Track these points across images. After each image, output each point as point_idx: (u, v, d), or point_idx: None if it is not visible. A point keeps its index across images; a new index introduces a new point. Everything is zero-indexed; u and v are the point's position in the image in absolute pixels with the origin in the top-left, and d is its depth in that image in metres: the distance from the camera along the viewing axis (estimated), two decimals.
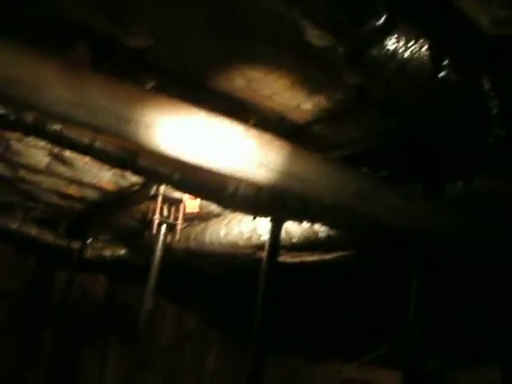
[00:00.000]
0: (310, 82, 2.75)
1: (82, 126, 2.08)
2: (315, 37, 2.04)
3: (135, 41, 2.51)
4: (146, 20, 2.38)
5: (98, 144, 2.97)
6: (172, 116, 2.17)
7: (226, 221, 4.84)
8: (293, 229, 4.13)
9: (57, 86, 1.93)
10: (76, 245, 6.54)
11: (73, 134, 2.94)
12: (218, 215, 4.95)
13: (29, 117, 2.77)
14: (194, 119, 2.22)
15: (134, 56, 2.68)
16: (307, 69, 2.63)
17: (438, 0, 1.99)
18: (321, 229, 3.92)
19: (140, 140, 2.10)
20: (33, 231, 6.43)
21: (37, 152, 4.34)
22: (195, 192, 3.51)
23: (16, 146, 4.27)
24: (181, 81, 2.82)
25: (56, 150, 4.15)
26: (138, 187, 4.58)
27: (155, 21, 2.37)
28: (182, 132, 2.18)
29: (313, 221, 3.82)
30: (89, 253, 6.65)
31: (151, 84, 2.81)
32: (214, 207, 4.59)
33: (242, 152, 2.31)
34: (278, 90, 2.79)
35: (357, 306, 5.55)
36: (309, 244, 4.20)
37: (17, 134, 3.69)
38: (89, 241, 6.62)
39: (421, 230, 2.79)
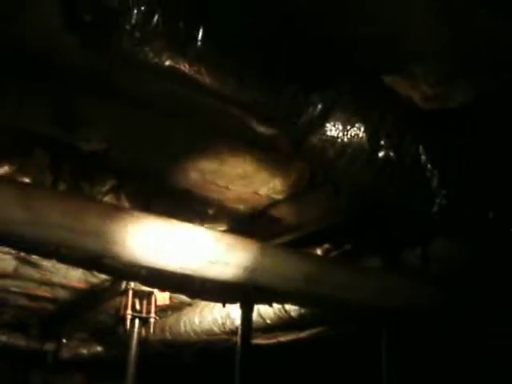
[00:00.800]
0: (264, 168, 2.85)
1: (41, 243, 2.13)
2: (259, 128, 2.16)
3: (90, 145, 2.60)
4: (98, 126, 2.48)
5: (63, 250, 3.00)
6: (131, 225, 2.25)
7: (199, 309, 4.85)
8: (265, 311, 4.15)
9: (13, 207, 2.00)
10: (50, 346, 6.44)
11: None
12: (190, 304, 4.95)
13: None
14: (154, 226, 2.31)
15: (91, 159, 2.76)
16: (260, 156, 2.74)
17: (371, 83, 2.12)
18: (292, 308, 3.96)
19: (101, 251, 2.16)
20: (3, 337, 6.33)
21: (3, 256, 4.34)
22: (163, 287, 3.54)
23: None
24: (138, 179, 2.90)
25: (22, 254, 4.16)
26: (108, 283, 4.57)
27: (107, 127, 2.47)
28: (142, 239, 2.26)
29: (279, 303, 3.88)
30: (64, 353, 6.55)
31: (111, 184, 2.89)
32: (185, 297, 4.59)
33: (204, 253, 2.41)
34: (233, 179, 2.88)
35: (335, 379, 5.51)
36: (283, 324, 4.22)
37: None
38: (64, 341, 6.53)
39: (376, 304, 2.86)
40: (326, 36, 1.94)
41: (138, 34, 1.49)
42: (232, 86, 1.78)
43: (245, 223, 3.22)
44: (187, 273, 2.54)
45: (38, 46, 1.97)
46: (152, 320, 4.48)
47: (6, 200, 1.99)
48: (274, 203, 3.11)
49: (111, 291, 4.66)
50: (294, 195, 3.04)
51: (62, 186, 2.79)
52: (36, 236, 2.09)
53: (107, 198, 2.92)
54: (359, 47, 1.99)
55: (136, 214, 2.31)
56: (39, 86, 2.21)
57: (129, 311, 4.36)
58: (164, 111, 2.41)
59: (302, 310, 3.88)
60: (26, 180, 2.87)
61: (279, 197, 3.06)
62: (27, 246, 2.77)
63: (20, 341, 6.36)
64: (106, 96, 2.32)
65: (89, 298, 5.00)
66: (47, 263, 4.30)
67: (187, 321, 4.94)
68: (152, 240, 2.30)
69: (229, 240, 2.50)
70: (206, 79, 1.72)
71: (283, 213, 3.26)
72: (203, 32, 1.62)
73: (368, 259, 3.17)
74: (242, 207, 3.13)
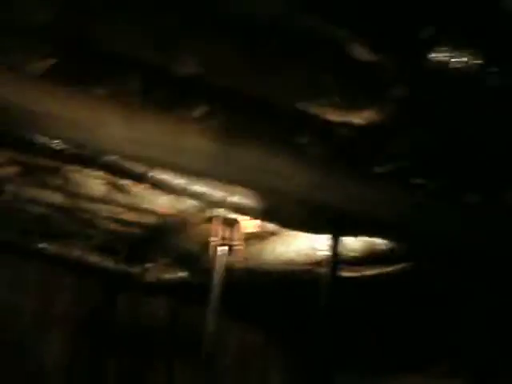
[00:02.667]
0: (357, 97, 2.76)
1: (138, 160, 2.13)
2: (362, 53, 2.07)
3: (185, 68, 2.56)
4: (195, 49, 2.43)
5: (152, 173, 3.03)
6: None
7: (283, 238, 4.85)
8: (351, 242, 4.11)
9: (113, 125, 1.99)
10: (136, 269, 6.63)
11: (127, 164, 3.02)
12: (274, 233, 4.96)
13: (86, 151, 2.85)
14: None
15: (184, 84, 2.73)
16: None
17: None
18: (379, 241, 3.90)
19: (195, 169, 2.14)
20: (93, 258, 6.56)
21: (94, 182, 4.44)
22: (251, 214, 3.54)
23: (75, 177, 4.39)
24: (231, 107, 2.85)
25: (113, 179, 4.24)
26: (195, 210, 4.62)
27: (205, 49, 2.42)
28: None
29: (370, 235, 3.82)
30: (150, 277, 6.73)
31: (202, 110, 2.85)
32: (270, 225, 4.59)
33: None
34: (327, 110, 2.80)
35: (419, 317, 5.47)
36: (368, 257, 4.18)
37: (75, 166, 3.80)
38: (149, 265, 6.70)
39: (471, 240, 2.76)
40: None
41: None
42: None
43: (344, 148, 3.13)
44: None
45: None
46: (237, 248, 4.51)
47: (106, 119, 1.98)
48: (368, 133, 3.02)
49: (198, 218, 4.71)
50: (389, 127, 2.94)
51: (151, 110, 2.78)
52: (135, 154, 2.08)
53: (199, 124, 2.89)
54: None
55: None
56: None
57: (214, 238, 4.40)
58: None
59: (391, 244, 3.81)
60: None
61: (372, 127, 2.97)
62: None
63: (109, 263, 6.57)
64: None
65: (175, 224, 5.08)
66: (137, 189, 4.38)
67: (271, 250, 4.96)
68: None
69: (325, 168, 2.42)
70: None
71: (375, 144, 3.17)
72: None
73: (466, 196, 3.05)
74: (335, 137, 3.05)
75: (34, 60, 2.62)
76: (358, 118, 2.92)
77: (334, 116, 2.87)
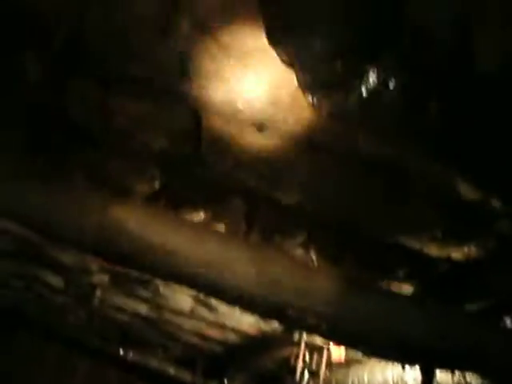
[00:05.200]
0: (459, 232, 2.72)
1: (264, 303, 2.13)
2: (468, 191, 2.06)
3: (288, 198, 2.60)
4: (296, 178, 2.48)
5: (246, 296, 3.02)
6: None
7: (368, 367, 4.68)
8: (443, 378, 3.92)
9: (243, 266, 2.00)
10: None
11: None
12: (359, 361, 4.80)
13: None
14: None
15: (286, 211, 2.76)
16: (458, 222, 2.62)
17: None
18: (473, 377, 3.71)
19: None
20: (171, 370, 6.53)
21: (182, 297, 4.48)
22: (341, 341, 3.45)
23: (164, 290, 4.44)
24: (329, 234, 2.86)
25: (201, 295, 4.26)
26: (280, 332, 4.56)
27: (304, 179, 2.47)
28: None
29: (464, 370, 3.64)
30: None
31: (302, 237, 2.87)
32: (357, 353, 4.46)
33: None
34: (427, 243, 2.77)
35: None
36: None
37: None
38: (226, 381, 6.59)
39: None
40: None
41: None
42: None
43: (434, 287, 3.07)
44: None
45: None
46: (322, 375, 4.39)
47: (241, 260, 2.00)
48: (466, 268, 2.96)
49: (282, 340, 4.64)
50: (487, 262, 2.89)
51: (254, 237, 2.82)
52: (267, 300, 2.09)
53: (298, 252, 2.90)
54: None
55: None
56: None
57: (300, 363, 4.31)
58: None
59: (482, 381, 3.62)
60: (220, 226, 2.94)
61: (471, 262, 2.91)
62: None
63: (186, 376, 6.51)
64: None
65: (258, 344, 5.02)
66: (223, 307, 4.38)
67: (356, 378, 4.80)
68: None
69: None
70: None
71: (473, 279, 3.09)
72: None
73: None
74: (432, 271, 3.00)
75: (143, 183, 2.74)
76: (458, 253, 2.87)
77: (434, 250, 2.84)
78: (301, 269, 2.14)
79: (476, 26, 1.47)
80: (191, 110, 2.30)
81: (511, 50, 1.51)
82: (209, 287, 2.10)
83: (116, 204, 2.21)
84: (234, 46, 1.92)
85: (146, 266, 2.12)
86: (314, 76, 1.65)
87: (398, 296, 2.60)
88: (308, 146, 2.33)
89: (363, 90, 1.69)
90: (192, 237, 2.00)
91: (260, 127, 2.21)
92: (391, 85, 1.67)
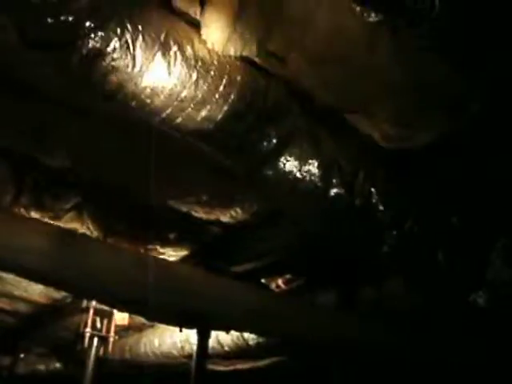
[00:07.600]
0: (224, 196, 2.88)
1: None
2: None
3: (55, 161, 2.61)
4: (61, 142, 2.49)
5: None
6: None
7: (159, 331, 4.82)
8: (224, 337, 4.15)
9: None
10: (6, 360, 6.32)
11: None
12: (152, 326, 4.93)
13: None
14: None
15: (56, 174, 2.77)
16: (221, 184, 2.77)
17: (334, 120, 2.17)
18: (250, 336, 3.96)
19: None
20: None
21: None
22: (117, 306, 3.53)
23: None
24: (101, 198, 2.91)
25: None
26: (69, 300, 4.53)
27: (70, 143, 2.49)
28: None
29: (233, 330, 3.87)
30: (21, 368, 6.44)
31: (74, 201, 2.89)
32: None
33: None
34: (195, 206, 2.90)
35: None
36: (241, 352, 4.22)
37: None
38: (21, 356, 6.42)
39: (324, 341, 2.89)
40: None
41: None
42: None
43: (206, 249, 3.23)
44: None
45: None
46: (111, 339, 4.44)
47: None
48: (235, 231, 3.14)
49: (72, 308, 4.62)
50: (253, 226, 3.07)
51: (24, 200, 2.80)
52: None
53: (69, 215, 2.92)
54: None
55: None
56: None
57: (88, 329, 4.31)
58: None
59: (260, 340, 3.88)
60: None
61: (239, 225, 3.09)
62: None
63: None
64: (68, 111, 2.35)
65: (49, 313, 4.94)
66: (8, 276, 4.26)
67: (147, 342, 4.92)
68: None
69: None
70: None
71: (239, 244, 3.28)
72: None
73: (322, 295, 3.20)
74: (203, 233, 3.15)
75: None
76: (225, 217, 3.04)
77: (202, 214, 2.99)
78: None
79: None
80: None
81: None
82: None
83: None
84: None
85: None
86: None
87: None
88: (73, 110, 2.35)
89: None
90: None
91: None
92: None
